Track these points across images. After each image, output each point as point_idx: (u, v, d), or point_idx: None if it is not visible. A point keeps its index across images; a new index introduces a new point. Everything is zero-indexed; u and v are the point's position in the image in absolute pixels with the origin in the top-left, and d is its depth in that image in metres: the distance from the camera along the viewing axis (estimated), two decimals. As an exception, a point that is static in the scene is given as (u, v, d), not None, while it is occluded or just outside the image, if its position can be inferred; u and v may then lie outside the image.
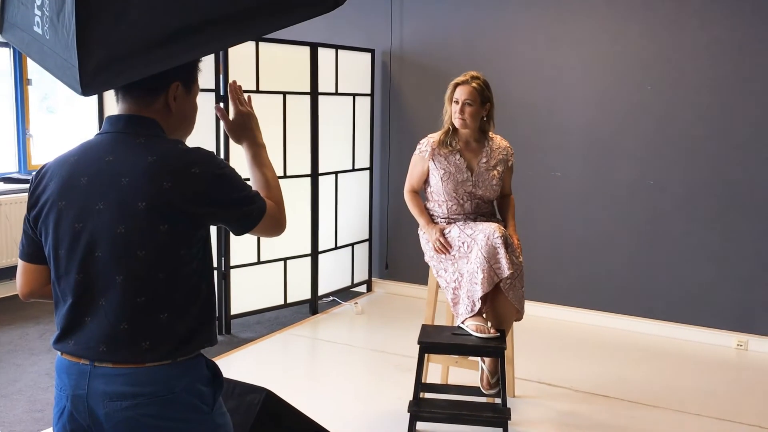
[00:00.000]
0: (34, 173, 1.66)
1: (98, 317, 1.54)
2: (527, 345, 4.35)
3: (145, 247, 1.52)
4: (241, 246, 4.57)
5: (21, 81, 5.59)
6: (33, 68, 5.58)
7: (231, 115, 1.82)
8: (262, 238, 4.68)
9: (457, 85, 3.36)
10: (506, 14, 4.97)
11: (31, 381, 3.79)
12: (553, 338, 4.64)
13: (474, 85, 3.31)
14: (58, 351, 1.60)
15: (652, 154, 4.65)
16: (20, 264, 1.68)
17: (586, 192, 4.87)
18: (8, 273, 5.20)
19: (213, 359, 4.08)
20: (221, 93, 4.38)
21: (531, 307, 4.94)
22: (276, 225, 1.71)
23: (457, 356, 3.49)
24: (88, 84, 1.52)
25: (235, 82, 1.83)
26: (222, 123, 1.83)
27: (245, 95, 1.84)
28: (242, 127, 1.80)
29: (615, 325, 4.82)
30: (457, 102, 3.33)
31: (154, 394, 1.52)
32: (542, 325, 4.84)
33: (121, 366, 1.53)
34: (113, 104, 1.68)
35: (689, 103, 4.52)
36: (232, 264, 4.55)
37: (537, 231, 4.96)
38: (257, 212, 1.65)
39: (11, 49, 5.51)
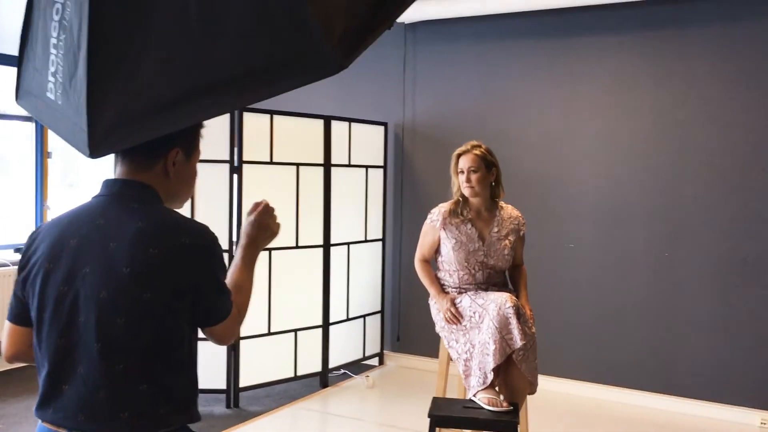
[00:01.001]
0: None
1: (76, 385, 1.50)
2: (542, 420, 4.21)
3: (126, 313, 1.48)
4: (251, 316, 4.52)
5: (41, 154, 5.71)
6: (53, 143, 5.71)
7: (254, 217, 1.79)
8: (276, 307, 4.64)
9: (459, 155, 3.39)
10: (517, 87, 5.05)
11: (34, 454, 3.71)
12: (569, 414, 4.51)
13: (476, 152, 3.34)
14: (38, 419, 1.56)
15: (666, 225, 4.61)
16: (7, 325, 1.64)
17: (599, 263, 4.82)
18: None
19: (221, 432, 4.01)
20: (235, 164, 4.44)
21: (545, 382, 4.82)
22: (230, 333, 1.65)
23: (469, 431, 3.39)
24: (97, 147, 1.54)
25: (267, 203, 1.81)
26: (254, 208, 1.79)
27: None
28: (259, 226, 1.76)
29: (633, 401, 4.68)
30: (462, 171, 3.35)
31: None
32: (558, 400, 4.71)
33: None
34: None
35: (703, 173, 4.51)
36: (241, 335, 4.50)
37: (550, 303, 4.89)
38: (225, 310, 1.61)
39: (35, 123, 5.65)
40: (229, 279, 1.70)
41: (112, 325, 1.48)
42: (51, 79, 1.67)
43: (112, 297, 1.49)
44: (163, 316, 1.51)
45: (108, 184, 1.63)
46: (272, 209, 1.79)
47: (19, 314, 1.62)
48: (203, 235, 1.58)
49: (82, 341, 1.50)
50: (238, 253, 1.75)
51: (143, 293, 1.48)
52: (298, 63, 1.42)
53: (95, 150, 1.54)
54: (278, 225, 1.79)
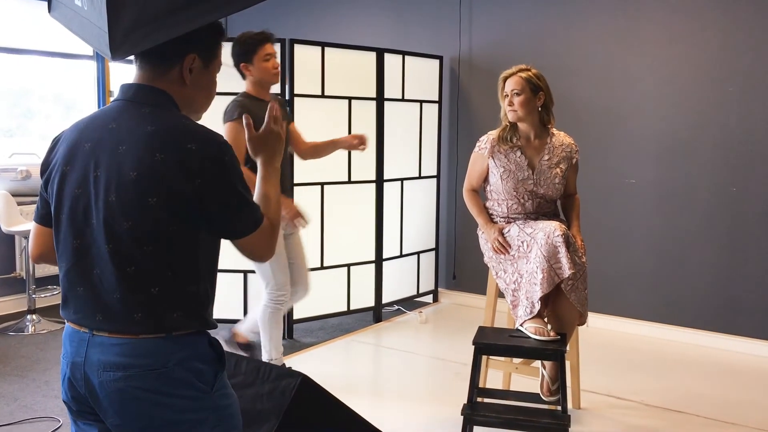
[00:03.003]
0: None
1: (93, 286, 1.53)
2: (595, 358, 4.15)
3: (132, 217, 1.48)
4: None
5: (104, 92, 5.84)
6: (116, 82, 5.83)
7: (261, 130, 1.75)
8: (333, 242, 4.67)
9: (505, 79, 3.28)
10: (576, 18, 4.84)
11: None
12: (623, 352, 4.41)
13: (521, 75, 3.22)
14: (64, 318, 1.60)
15: (733, 158, 4.39)
16: (33, 226, 1.69)
17: (661, 200, 4.64)
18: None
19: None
20: (287, 98, 4.42)
21: (601, 320, 4.74)
22: (265, 246, 1.62)
23: (517, 362, 3.36)
24: (117, 48, 1.53)
25: (274, 104, 1.76)
26: (246, 132, 1.72)
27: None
28: (265, 142, 1.72)
29: (692, 340, 4.54)
30: (507, 95, 3.25)
31: (147, 367, 1.49)
32: (613, 339, 4.62)
33: (116, 336, 1.51)
34: None
35: (775, 104, 4.25)
36: (295, 268, 4.55)
37: (609, 240, 4.75)
38: (252, 222, 1.57)
39: (96, 62, 5.77)
40: (255, 193, 1.69)
41: (119, 228, 1.49)
42: (77, -15, 1.66)
43: (120, 200, 1.49)
44: (168, 222, 1.49)
45: (124, 88, 1.63)
46: (275, 111, 1.75)
47: (43, 215, 1.66)
48: (212, 141, 1.53)
49: (95, 243, 1.52)
50: (258, 166, 1.73)
51: (149, 198, 1.47)
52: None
53: (116, 51, 1.53)
54: (281, 124, 1.77)
